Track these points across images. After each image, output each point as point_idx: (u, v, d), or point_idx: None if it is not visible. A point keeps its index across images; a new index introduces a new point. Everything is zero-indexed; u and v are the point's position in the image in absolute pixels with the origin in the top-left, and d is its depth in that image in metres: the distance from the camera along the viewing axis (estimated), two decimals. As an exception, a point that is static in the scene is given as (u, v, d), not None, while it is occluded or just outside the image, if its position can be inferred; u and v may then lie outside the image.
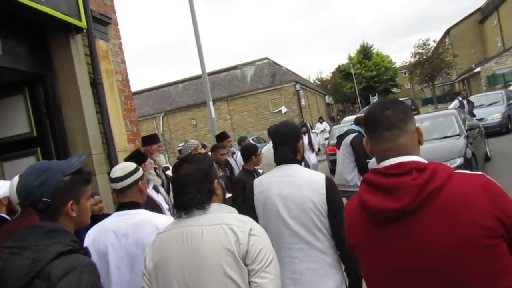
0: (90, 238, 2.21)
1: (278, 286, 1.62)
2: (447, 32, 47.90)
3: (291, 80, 26.75)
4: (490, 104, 14.10)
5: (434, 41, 43.12)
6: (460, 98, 13.76)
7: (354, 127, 5.66)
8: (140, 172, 2.35)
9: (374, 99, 41.70)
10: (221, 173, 1.86)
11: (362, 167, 5.18)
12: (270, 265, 1.60)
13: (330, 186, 2.17)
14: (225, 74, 29.41)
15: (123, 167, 2.34)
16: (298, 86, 26.17)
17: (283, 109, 25.46)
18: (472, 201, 1.16)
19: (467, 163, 6.34)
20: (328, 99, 43.46)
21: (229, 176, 5.22)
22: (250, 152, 4.57)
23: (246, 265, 1.58)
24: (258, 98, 26.62)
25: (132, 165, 2.36)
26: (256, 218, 2.22)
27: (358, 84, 49.33)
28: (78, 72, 4.14)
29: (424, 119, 8.76)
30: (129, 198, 2.27)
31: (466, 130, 7.73)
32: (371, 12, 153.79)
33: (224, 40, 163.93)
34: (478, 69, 37.25)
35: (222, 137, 6.02)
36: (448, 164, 6.06)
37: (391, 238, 1.25)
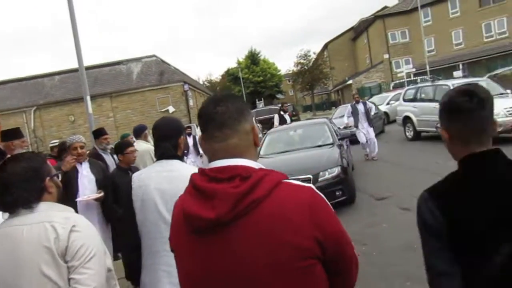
0: None
1: (99, 281, 1.61)
2: (325, 46, 52.39)
3: (179, 80, 26.41)
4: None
5: (315, 53, 46.88)
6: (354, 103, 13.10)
7: None
8: None
9: (260, 103, 43.45)
10: (58, 172, 1.83)
11: None
12: (90, 260, 1.59)
13: None
14: (108, 69, 27.74)
15: None
16: (186, 87, 25.97)
17: (171, 109, 25.03)
18: (291, 218, 1.07)
19: (344, 172, 6.56)
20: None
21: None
22: (117, 150, 4.50)
23: (66, 262, 1.57)
24: (144, 96, 25.70)
25: None
26: (133, 213, 2.20)
27: (246, 88, 50.93)
28: None
29: (298, 127, 9.21)
30: None
31: (339, 139, 8.02)
32: (263, 21, 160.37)
33: (110, 32, 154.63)
34: (350, 81, 41.64)
35: (98, 134, 5.71)
36: (327, 174, 6.28)
37: (206, 249, 1.12)
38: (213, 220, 1.07)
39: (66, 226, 1.59)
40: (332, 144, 7.69)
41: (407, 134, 13.47)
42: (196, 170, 2.27)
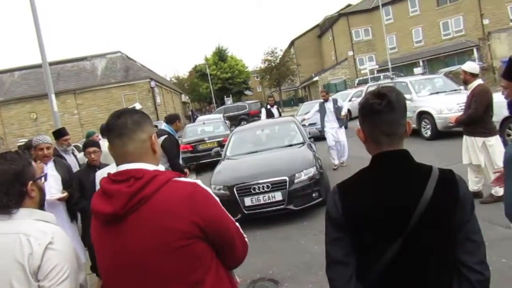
0: None
1: None
2: (292, 43, 52.92)
3: (146, 77, 26.09)
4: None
5: (281, 50, 47.31)
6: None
7: (165, 126, 5.81)
8: None
9: (228, 100, 43.45)
10: (42, 174, 1.66)
11: (175, 167, 5.35)
12: (62, 283, 1.49)
13: None
14: (71, 65, 27.04)
15: None
16: (153, 83, 25.71)
17: (137, 106, 24.30)
18: (173, 208, 1.34)
19: (320, 173, 6.26)
20: (185, 97, 43.66)
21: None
22: (83, 148, 4.61)
23: (38, 280, 1.48)
24: (110, 93, 25.26)
25: None
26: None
27: (214, 84, 50.78)
28: None
29: (265, 126, 8.64)
30: None
31: (309, 138, 7.66)
32: (230, 17, 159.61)
33: (71, 26, 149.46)
34: (316, 78, 42.31)
35: (59, 135, 5.42)
36: (302, 175, 6.08)
37: (109, 237, 1.39)
38: (111, 214, 1.35)
39: (42, 242, 1.50)
40: (303, 143, 7.32)
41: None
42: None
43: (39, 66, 26.41)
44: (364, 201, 1.38)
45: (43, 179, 1.76)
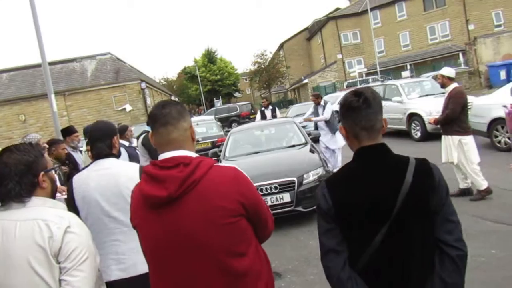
0: None
1: (89, 285, 1.62)
2: (281, 46, 53.18)
3: (136, 78, 25.94)
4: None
5: (271, 53, 47.59)
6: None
7: (147, 127, 5.87)
8: None
9: (218, 102, 43.42)
10: (55, 166, 1.76)
11: None
12: (84, 263, 1.60)
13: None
14: (61, 66, 26.73)
15: None
16: (143, 85, 25.59)
17: (128, 107, 24.55)
18: (221, 189, 1.49)
19: (327, 174, 6.00)
20: (175, 99, 43.49)
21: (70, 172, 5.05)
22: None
23: (59, 262, 1.58)
24: (100, 95, 25.06)
25: None
26: (77, 212, 2.30)
27: (203, 86, 50.73)
28: None
29: (264, 126, 8.41)
30: None
31: (311, 139, 7.49)
32: (219, 20, 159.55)
33: (60, 28, 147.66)
34: (306, 80, 42.60)
35: (68, 132, 5.70)
36: (311, 176, 6.01)
37: (162, 219, 1.50)
38: (166, 197, 1.46)
39: (61, 226, 1.59)
40: (305, 144, 7.11)
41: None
42: (131, 165, 2.52)
43: (27, 67, 26.23)
44: (351, 192, 1.52)
45: (57, 170, 1.83)
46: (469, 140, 5.51)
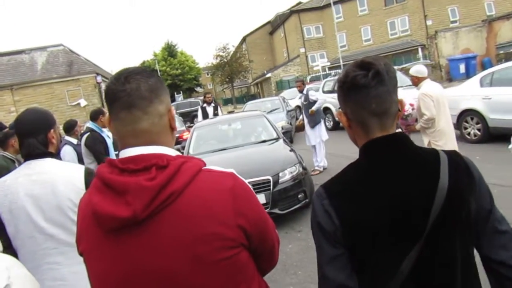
0: None
1: None
2: (244, 39, 52.78)
3: (91, 71, 24.69)
4: (271, 111, 13.04)
5: (233, 46, 47.04)
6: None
7: (91, 124, 5.22)
8: None
9: (179, 97, 42.51)
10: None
11: None
12: None
13: (91, 179, 1.92)
14: (8, 59, 25.00)
15: None
16: (99, 78, 24.39)
17: (82, 102, 23.36)
18: (212, 207, 0.98)
19: (304, 171, 5.69)
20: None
21: None
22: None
23: None
24: (52, 89, 23.62)
25: None
26: (2, 228, 1.80)
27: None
28: None
29: (231, 120, 7.79)
30: None
31: (283, 133, 7.05)
32: (179, 12, 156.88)
33: (6, 17, 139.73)
34: (269, 74, 42.44)
35: (98, 113, 5.30)
36: (287, 174, 5.27)
37: (122, 248, 0.99)
38: (129, 219, 0.94)
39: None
40: (277, 139, 6.56)
41: (327, 124, 13.99)
42: (74, 167, 2.00)
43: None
44: (364, 205, 1.07)
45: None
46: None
